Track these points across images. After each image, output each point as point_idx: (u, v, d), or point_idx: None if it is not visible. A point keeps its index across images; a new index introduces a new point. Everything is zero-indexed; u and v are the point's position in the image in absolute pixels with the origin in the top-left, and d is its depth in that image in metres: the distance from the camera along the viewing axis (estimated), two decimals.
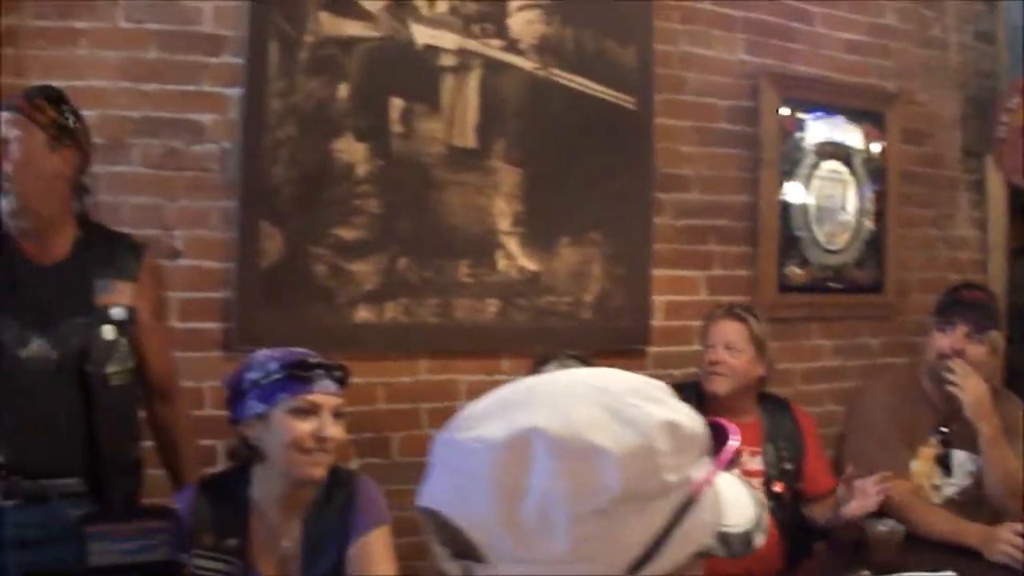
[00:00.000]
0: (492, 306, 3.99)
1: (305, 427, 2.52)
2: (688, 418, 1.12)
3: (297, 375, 2.55)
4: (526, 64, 4.03)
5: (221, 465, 3.26)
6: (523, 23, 4.04)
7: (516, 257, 4.02)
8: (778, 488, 3.44)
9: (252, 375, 2.58)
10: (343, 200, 3.74)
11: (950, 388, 3.47)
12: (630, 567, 1.04)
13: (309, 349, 2.65)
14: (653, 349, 4.31)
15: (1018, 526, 3.20)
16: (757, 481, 3.40)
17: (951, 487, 3.58)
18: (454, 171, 3.91)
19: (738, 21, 4.61)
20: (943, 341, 3.55)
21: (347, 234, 3.75)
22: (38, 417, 2.68)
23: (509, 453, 1.04)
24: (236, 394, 2.61)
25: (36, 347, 2.68)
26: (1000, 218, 5.37)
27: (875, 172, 4.96)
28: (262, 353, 2.64)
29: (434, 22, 3.88)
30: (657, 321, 4.33)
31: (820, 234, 4.77)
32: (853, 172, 4.90)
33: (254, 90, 3.64)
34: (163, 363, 3.02)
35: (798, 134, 4.73)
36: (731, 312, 3.57)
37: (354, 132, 3.75)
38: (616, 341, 4.19)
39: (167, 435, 3.06)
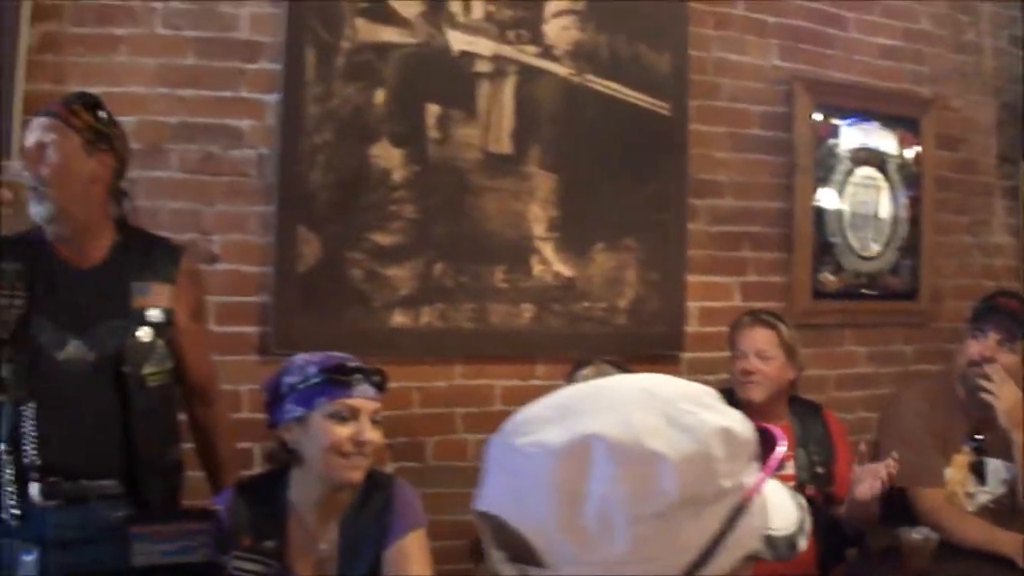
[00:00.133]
0: (527, 311, 4.00)
1: (343, 431, 2.53)
2: (740, 424, 1.14)
3: (336, 380, 2.56)
4: (561, 70, 4.05)
5: (258, 467, 3.29)
6: (558, 29, 4.05)
7: (551, 262, 4.03)
8: (810, 492, 3.43)
9: (291, 379, 2.59)
10: (379, 205, 3.77)
11: (984, 396, 3.46)
12: (686, 570, 1.05)
13: (345, 353, 2.66)
14: (687, 355, 4.31)
15: None
16: (788, 485, 3.39)
17: (985, 495, 3.56)
18: (490, 177, 3.93)
19: (772, 26, 4.60)
20: (974, 348, 3.53)
21: (383, 239, 3.77)
22: (75, 419, 2.69)
23: (569, 458, 1.04)
24: (275, 398, 2.62)
25: (73, 349, 2.70)
26: None
27: (909, 178, 4.94)
28: (301, 357, 2.65)
29: (470, 28, 3.90)
30: (691, 327, 4.33)
31: (854, 240, 4.76)
32: (887, 178, 4.88)
33: (291, 96, 3.67)
34: (202, 365, 3.03)
35: (832, 140, 4.72)
36: (759, 319, 3.57)
37: (390, 138, 3.78)
38: (650, 347, 4.19)
39: (206, 437, 3.07)
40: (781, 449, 1.18)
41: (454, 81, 3.88)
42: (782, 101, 4.60)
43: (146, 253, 2.87)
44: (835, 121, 4.74)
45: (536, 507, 1.05)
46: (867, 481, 3.17)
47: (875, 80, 4.87)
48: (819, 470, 3.50)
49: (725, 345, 3.71)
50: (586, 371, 3.23)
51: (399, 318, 3.80)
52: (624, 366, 3.22)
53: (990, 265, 5.23)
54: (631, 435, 1.05)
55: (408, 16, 3.80)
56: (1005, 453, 3.50)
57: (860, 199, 4.79)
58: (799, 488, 3.41)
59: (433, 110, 3.84)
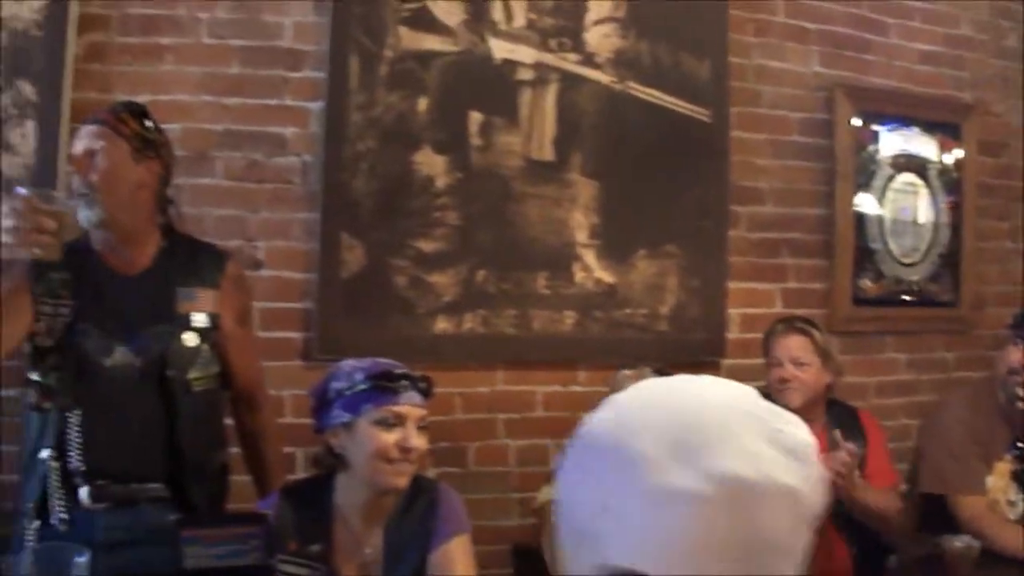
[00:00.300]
0: (569, 318, 4.01)
1: (390, 437, 2.53)
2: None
3: (383, 386, 2.56)
4: (603, 78, 4.06)
5: (301, 472, 3.32)
6: (599, 37, 4.07)
7: (593, 269, 4.04)
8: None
9: (338, 385, 2.60)
10: (423, 212, 3.79)
11: (1021, 404, 3.44)
12: None
13: (389, 359, 2.67)
14: (728, 361, 4.30)
15: None
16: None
17: None
18: (532, 184, 3.95)
19: (812, 33, 4.60)
20: (1015, 356, 3.51)
21: (427, 246, 3.80)
22: (122, 423, 2.71)
23: (726, 507, 1.04)
24: (321, 403, 2.63)
25: (120, 355, 2.71)
26: None
27: (950, 184, 4.92)
28: (348, 363, 2.65)
29: (512, 36, 3.92)
30: (732, 333, 4.33)
31: (895, 247, 4.74)
32: (928, 184, 4.85)
33: (335, 104, 3.70)
34: (248, 370, 3.03)
35: (872, 146, 4.70)
36: (792, 326, 3.57)
37: (433, 145, 3.81)
38: (691, 353, 4.19)
39: (253, 441, 3.08)
40: None
41: (496, 89, 3.91)
42: (822, 107, 4.59)
43: (192, 259, 2.88)
44: (875, 127, 4.72)
45: (706, 561, 1.03)
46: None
47: (916, 86, 4.85)
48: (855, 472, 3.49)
49: None
50: (628, 372, 3.25)
51: (442, 324, 3.83)
52: (669, 373, 3.22)
53: None
54: (761, 472, 1.05)
55: (451, 24, 3.84)
56: None
57: (900, 205, 4.77)
58: (834, 491, 3.41)
59: (476, 117, 3.87)
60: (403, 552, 2.61)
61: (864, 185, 4.67)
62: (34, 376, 2.70)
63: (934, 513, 3.46)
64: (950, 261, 4.91)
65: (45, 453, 2.67)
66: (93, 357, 2.69)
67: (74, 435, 2.66)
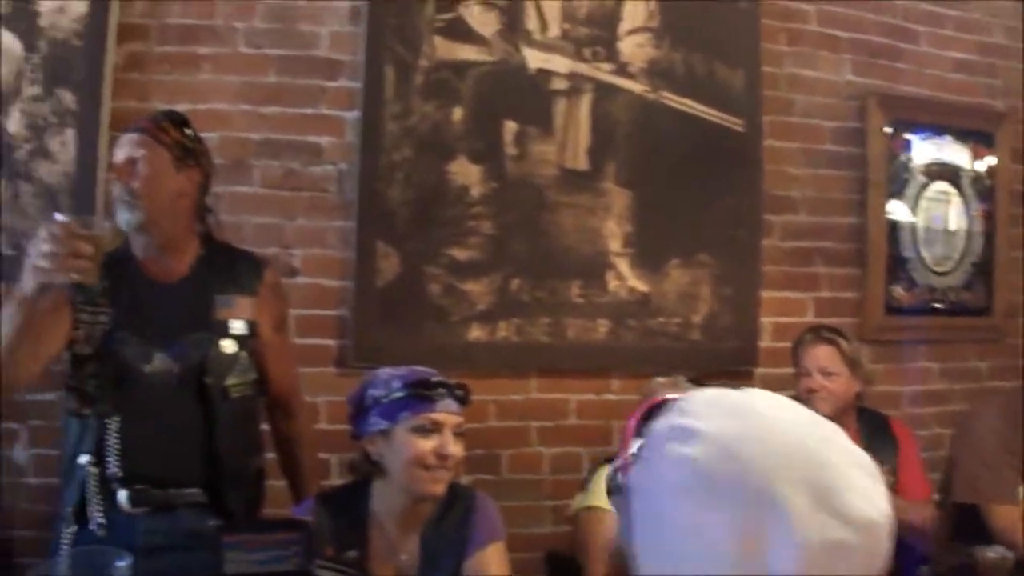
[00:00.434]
0: (602, 326, 4.02)
1: (427, 444, 2.54)
2: None
3: (420, 394, 2.57)
4: (636, 87, 4.07)
5: (336, 478, 3.33)
6: (633, 47, 4.08)
7: (626, 278, 4.05)
8: None
9: (375, 392, 2.61)
10: (457, 221, 3.82)
11: None
12: None
13: (424, 367, 2.69)
14: (760, 370, 4.30)
15: None
16: None
17: None
18: (566, 193, 3.97)
19: (844, 42, 4.59)
20: None
21: (461, 254, 3.82)
22: (161, 430, 2.72)
23: (862, 552, 1.07)
24: (359, 410, 2.64)
25: (159, 362, 2.73)
26: None
27: (983, 192, 4.90)
28: (385, 371, 2.66)
29: (546, 46, 3.94)
30: (764, 342, 4.33)
31: (928, 255, 4.73)
32: (961, 192, 4.84)
33: (370, 113, 3.73)
34: (285, 377, 3.05)
35: (905, 155, 4.69)
36: (820, 336, 3.57)
37: (468, 154, 3.83)
38: (724, 362, 4.19)
39: (289, 448, 3.10)
40: None
41: (531, 98, 3.93)
42: (855, 116, 4.58)
43: (229, 266, 2.90)
44: (908, 136, 4.71)
45: None
46: None
47: (948, 94, 4.83)
48: (887, 479, 3.49)
49: None
50: (662, 380, 3.26)
51: (476, 332, 3.85)
52: (703, 382, 3.23)
53: None
54: (877, 509, 1.08)
55: (485, 34, 3.86)
56: None
57: (933, 213, 4.76)
58: None
59: (510, 127, 3.89)
60: (439, 559, 2.62)
61: (897, 193, 4.66)
62: (73, 382, 2.73)
63: (967, 523, 3.45)
64: (983, 269, 4.89)
65: (84, 459, 2.69)
66: (133, 364, 2.71)
67: (113, 441, 2.68)
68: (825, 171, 4.52)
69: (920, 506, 3.47)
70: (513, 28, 3.90)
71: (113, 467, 2.67)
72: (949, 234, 4.81)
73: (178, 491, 2.74)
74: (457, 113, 3.82)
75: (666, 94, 4.12)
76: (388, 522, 2.62)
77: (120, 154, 2.78)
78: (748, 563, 1.05)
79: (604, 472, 2.59)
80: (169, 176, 2.77)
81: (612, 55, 4.04)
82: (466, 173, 3.83)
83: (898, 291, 4.66)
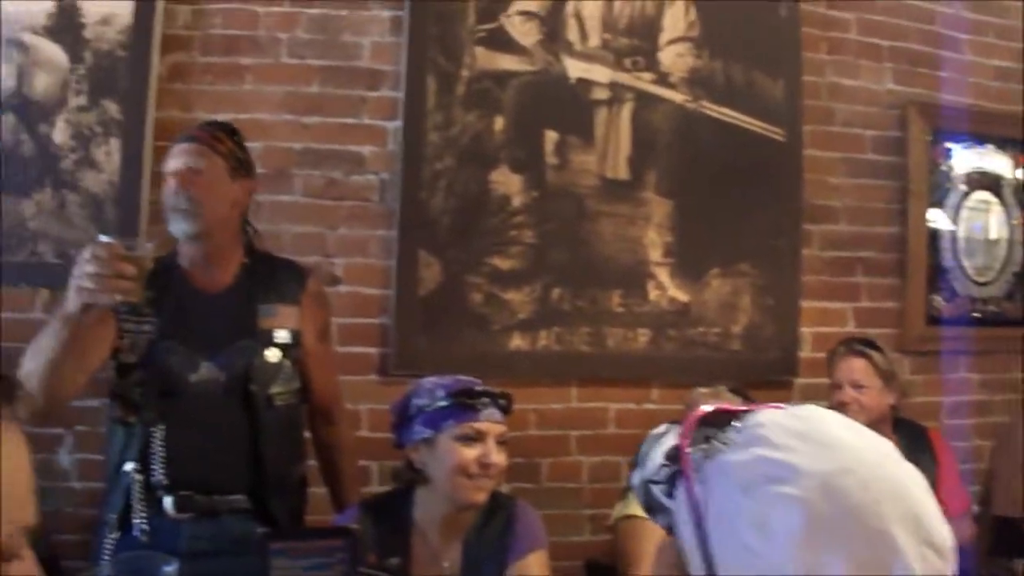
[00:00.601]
0: (643, 336, 4.02)
1: (470, 453, 2.56)
2: None
3: (464, 403, 2.59)
4: (677, 97, 4.08)
5: (376, 486, 3.35)
6: (673, 56, 4.09)
7: (667, 288, 4.05)
8: None
9: (419, 401, 2.64)
10: (499, 230, 3.84)
11: None
12: None
13: (465, 375, 2.71)
14: (800, 381, 4.28)
15: None
16: None
17: None
18: (607, 202, 3.97)
19: (885, 50, 4.57)
20: None
21: (503, 263, 3.84)
22: (206, 438, 2.76)
23: None
24: (402, 419, 2.67)
25: (205, 371, 2.77)
26: None
27: None
28: (429, 380, 2.69)
29: (587, 56, 3.95)
30: (804, 353, 4.30)
31: (969, 265, 4.70)
32: (1002, 201, 4.80)
33: (412, 123, 3.75)
34: (327, 385, 3.08)
35: (946, 163, 4.67)
36: (852, 349, 3.56)
37: (510, 164, 3.85)
38: (764, 372, 4.19)
39: (330, 455, 3.12)
40: None
41: (572, 108, 3.94)
42: (896, 125, 4.56)
43: (272, 276, 2.93)
44: (949, 144, 4.68)
45: None
46: None
47: (989, 102, 4.80)
48: None
49: None
50: (704, 390, 3.26)
51: (517, 341, 3.86)
52: (744, 392, 3.23)
53: None
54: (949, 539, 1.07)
55: (526, 44, 3.88)
56: None
57: (974, 223, 4.73)
58: None
59: (551, 137, 3.90)
60: (481, 567, 2.64)
61: (938, 203, 4.63)
62: (118, 390, 2.76)
63: (1007, 536, 3.44)
64: None
65: (129, 466, 2.72)
66: (179, 373, 2.75)
67: (158, 448, 2.71)
68: (865, 180, 4.50)
69: (959, 523, 3.45)
70: (554, 38, 3.91)
71: (158, 474, 2.71)
72: (990, 243, 4.78)
73: (223, 497, 2.76)
74: (498, 123, 3.84)
75: (706, 104, 4.12)
76: (431, 530, 2.64)
77: (176, 163, 2.80)
78: None
79: None
80: (226, 185, 2.81)
81: (652, 65, 4.05)
82: (507, 182, 3.84)
83: (938, 301, 4.63)
